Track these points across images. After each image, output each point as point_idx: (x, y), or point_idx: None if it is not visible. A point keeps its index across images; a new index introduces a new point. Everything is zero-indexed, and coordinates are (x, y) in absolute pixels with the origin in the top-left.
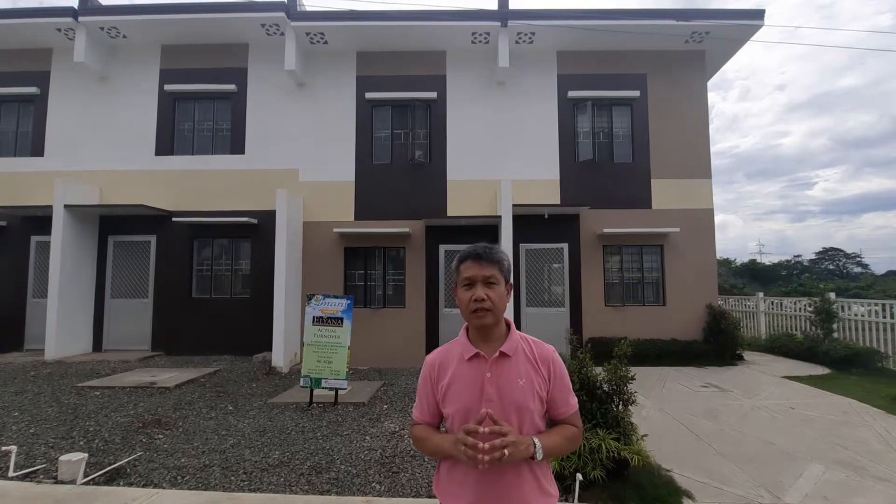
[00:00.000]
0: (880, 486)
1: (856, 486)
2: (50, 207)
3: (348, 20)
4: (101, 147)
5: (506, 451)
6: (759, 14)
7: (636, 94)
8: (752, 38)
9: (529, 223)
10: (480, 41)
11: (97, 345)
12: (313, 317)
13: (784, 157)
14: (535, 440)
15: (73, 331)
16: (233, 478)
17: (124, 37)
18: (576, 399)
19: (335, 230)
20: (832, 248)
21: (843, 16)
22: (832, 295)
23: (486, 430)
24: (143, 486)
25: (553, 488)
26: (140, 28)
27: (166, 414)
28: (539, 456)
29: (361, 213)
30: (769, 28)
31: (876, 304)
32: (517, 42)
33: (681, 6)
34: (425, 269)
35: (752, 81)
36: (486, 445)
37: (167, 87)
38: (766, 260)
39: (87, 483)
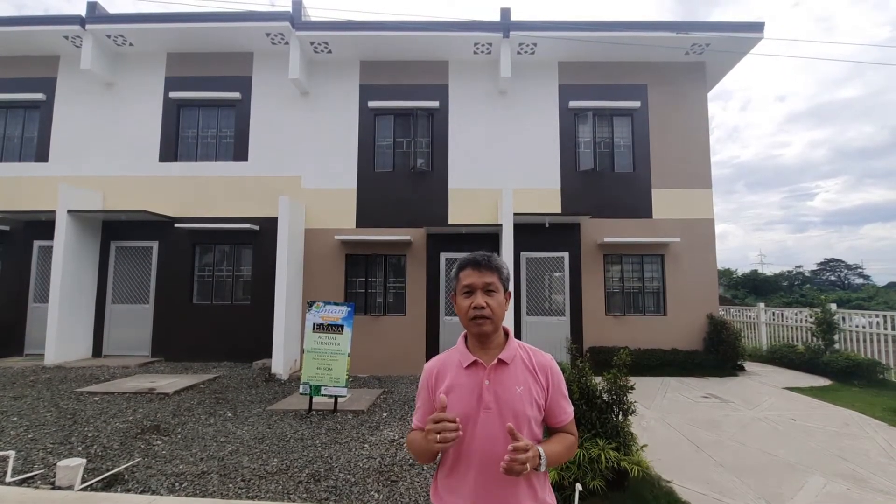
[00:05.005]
0: (882, 498)
1: (857, 499)
2: (53, 213)
3: (352, 30)
4: (106, 153)
5: (527, 467)
6: (758, 27)
7: (637, 104)
8: (752, 51)
9: (530, 232)
10: (483, 51)
11: (97, 350)
12: (314, 324)
13: (785, 168)
14: (541, 451)
15: (74, 336)
16: (231, 485)
17: (130, 44)
18: (572, 407)
19: (337, 237)
20: (833, 259)
21: (841, 28)
22: (833, 306)
23: (510, 446)
24: (141, 492)
25: (550, 497)
26: (146, 36)
27: (165, 420)
28: (543, 467)
29: (363, 221)
30: (769, 41)
31: (877, 316)
32: (519, 53)
33: (681, 18)
34: (426, 277)
35: (752, 92)
36: (507, 457)
37: (172, 94)
38: (768, 270)
39: (84, 489)
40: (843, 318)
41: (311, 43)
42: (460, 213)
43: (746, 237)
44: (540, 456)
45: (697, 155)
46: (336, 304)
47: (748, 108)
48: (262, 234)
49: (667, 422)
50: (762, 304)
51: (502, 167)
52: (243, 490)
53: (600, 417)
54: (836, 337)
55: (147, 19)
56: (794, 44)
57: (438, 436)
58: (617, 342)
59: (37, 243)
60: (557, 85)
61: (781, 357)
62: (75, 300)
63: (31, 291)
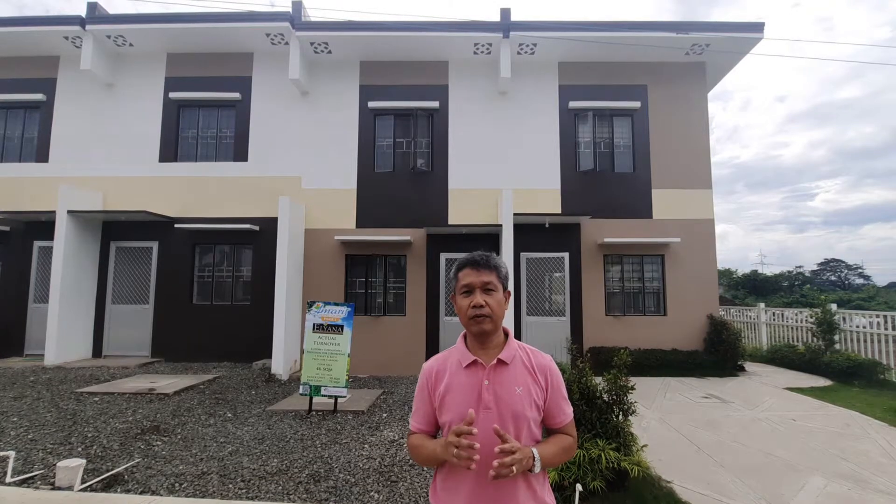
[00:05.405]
0: (882, 499)
1: (858, 499)
2: (53, 213)
3: (352, 31)
4: (106, 153)
5: (514, 469)
6: (758, 27)
7: (637, 104)
8: (752, 51)
9: (530, 232)
10: (483, 52)
11: (97, 350)
12: (314, 324)
13: (785, 168)
14: (536, 452)
15: (74, 336)
16: (230, 485)
17: (131, 45)
18: (571, 408)
19: (337, 237)
20: (834, 260)
21: (841, 28)
22: (834, 306)
23: (497, 448)
24: (141, 492)
25: (550, 498)
26: (146, 36)
27: (165, 420)
28: (537, 469)
29: (363, 221)
30: (769, 41)
31: (878, 316)
32: (519, 53)
33: (681, 19)
34: (426, 278)
35: (752, 93)
36: (496, 463)
37: (172, 94)
38: (768, 271)
39: (84, 489)
40: (844, 319)
41: (311, 43)
42: (460, 213)
43: (746, 237)
44: (533, 457)
45: (697, 155)
46: (336, 304)
47: (748, 109)
48: (262, 235)
49: (667, 422)
50: (762, 305)
51: (502, 167)
52: (243, 490)
53: (600, 418)
54: (836, 337)
55: (147, 20)
56: (794, 44)
57: (456, 450)
58: (617, 342)
59: (37, 244)
60: (557, 85)
61: (782, 357)
62: (75, 300)
63: (32, 292)
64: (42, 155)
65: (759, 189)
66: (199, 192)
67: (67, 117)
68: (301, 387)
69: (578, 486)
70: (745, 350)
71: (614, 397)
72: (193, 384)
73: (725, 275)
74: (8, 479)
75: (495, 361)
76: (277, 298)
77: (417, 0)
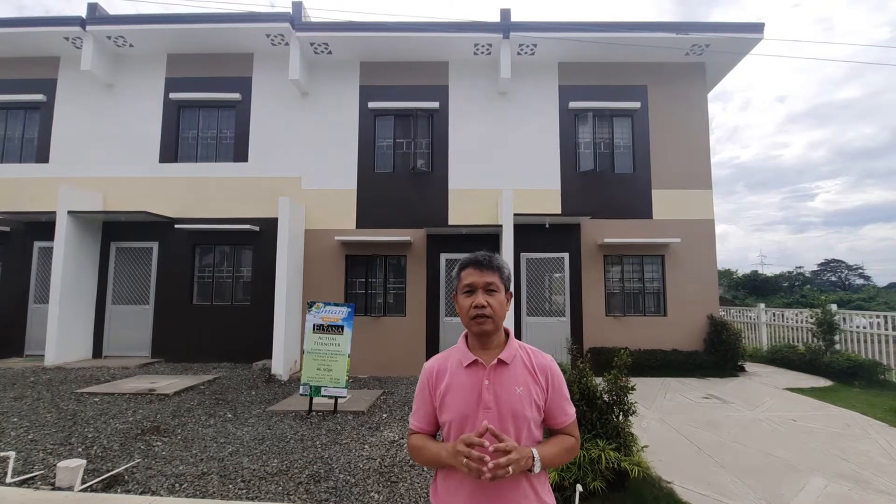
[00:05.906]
0: (883, 499)
1: (858, 500)
2: (53, 213)
3: (352, 31)
4: (106, 154)
5: (510, 470)
6: (758, 27)
7: (637, 105)
8: (752, 52)
9: (530, 232)
10: (483, 52)
11: (97, 351)
12: (314, 324)
13: (785, 168)
14: (535, 452)
15: (74, 337)
16: (231, 486)
17: (131, 46)
18: (573, 409)
19: (337, 238)
20: (834, 260)
21: (841, 28)
22: (834, 307)
23: (491, 448)
24: (141, 493)
25: (550, 498)
26: (146, 37)
27: (165, 421)
28: (537, 469)
29: (363, 222)
30: (769, 41)
31: (878, 317)
32: (519, 53)
33: (681, 19)
34: (426, 278)
35: (752, 93)
36: (491, 464)
37: (172, 95)
38: (768, 271)
39: (84, 490)
40: (844, 319)
41: (311, 44)
42: (460, 213)
43: (746, 238)
44: (533, 457)
45: (697, 155)
46: (336, 304)
47: (748, 109)
48: (262, 235)
49: (667, 422)
50: (762, 305)
51: (502, 168)
52: (243, 491)
53: (601, 418)
54: (836, 338)
55: (147, 20)
56: (793, 44)
57: (466, 460)
58: (617, 343)
59: (37, 244)
60: (557, 86)
61: (782, 358)
62: (75, 301)
63: (32, 292)
64: (42, 155)
65: (759, 189)
66: (199, 192)
67: (67, 118)
68: (301, 387)
69: (579, 487)
70: (746, 350)
71: (614, 398)
72: (193, 385)
73: (725, 275)
74: (8, 480)
75: (496, 361)
76: (277, 299)
77: (417, 0)
